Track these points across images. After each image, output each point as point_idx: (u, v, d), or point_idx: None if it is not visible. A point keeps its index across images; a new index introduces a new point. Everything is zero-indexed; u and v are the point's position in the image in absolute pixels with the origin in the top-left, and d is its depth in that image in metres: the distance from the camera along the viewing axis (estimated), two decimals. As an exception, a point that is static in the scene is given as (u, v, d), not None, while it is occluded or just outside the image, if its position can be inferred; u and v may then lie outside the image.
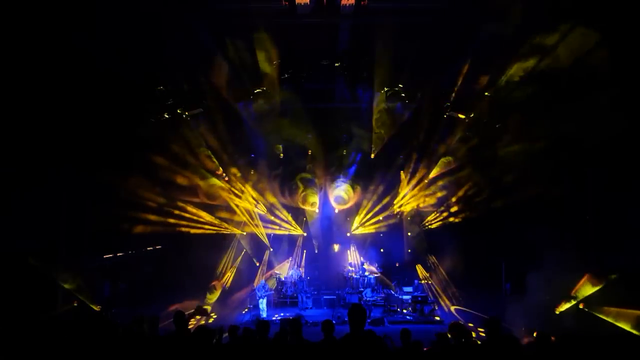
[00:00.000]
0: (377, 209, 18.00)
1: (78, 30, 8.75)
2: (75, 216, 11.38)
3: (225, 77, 11.73)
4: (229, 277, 16.64)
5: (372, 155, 16.12)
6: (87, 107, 10.65)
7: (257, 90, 12.76)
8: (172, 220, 14.52)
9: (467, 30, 9.84)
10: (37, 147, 9.90)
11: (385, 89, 12.89)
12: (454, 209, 16.07)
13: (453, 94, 12.80)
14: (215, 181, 15.45)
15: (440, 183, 16.15)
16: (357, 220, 18.27)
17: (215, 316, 13.83)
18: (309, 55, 11.68)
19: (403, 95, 13.08)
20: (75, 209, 11.42)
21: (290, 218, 18.23)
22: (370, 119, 14.59)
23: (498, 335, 5.29)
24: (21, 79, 8.90)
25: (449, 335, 5.92)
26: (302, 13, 9.38)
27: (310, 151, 17.18)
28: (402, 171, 17.28)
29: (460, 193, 15.55)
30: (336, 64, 11.95)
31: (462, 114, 13.68)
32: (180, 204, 14.78)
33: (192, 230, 15.26)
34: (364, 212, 18.12)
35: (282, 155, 16.64)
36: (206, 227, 15.92)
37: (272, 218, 17.91)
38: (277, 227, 18.05)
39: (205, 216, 15.85)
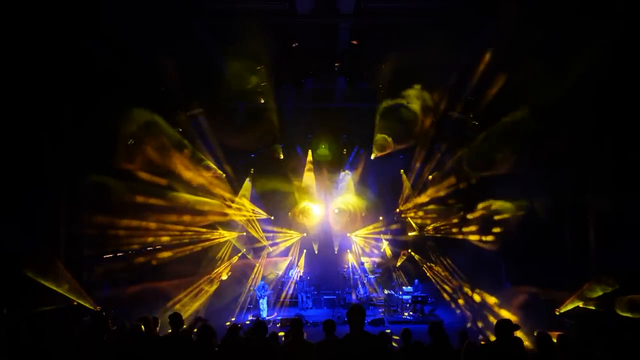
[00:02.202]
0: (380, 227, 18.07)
1: (79, 30, 8.76)
2: (75, 216, 11.35)
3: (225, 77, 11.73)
4: (226, 268, 16.54)
5: (373, 156, 16.14)
6: (86, 107, 10.66)
7: (257, 91, 12.74)
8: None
9: (467, 30, 9.83)
10: (37, 147, 9.88)
11: (386, 89, 12.88)
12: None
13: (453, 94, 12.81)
14: (210, 200, 15.29)
15: (436, 207, 16.37)
16: (361, 230, 18.32)
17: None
18: (309, 55, 11.65)
19: (403, 95, 13.08)
20: (75, 209, 11.38)
21: (285, 230, 18.17)
22: (371, 119, 14.60)
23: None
24: (20, 80, 8.90)
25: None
26: (302, 13, 9.37)
27: (310, 151, 17.21)
28: (402, 170, 17.27)
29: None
30: (336, 64, 11.94)
31: (462, 115, 13.72)
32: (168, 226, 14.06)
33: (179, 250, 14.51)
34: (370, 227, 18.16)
35: (282, 156, 16.63)
36: (199, 245, 15.37)
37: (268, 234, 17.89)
38: (271, 242, 17.95)
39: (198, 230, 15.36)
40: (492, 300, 13.20)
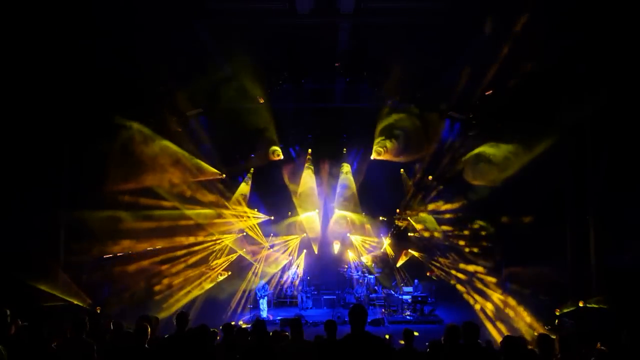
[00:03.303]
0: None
1: (78, 30, 8.76)
2: (75, 216, 11.36)
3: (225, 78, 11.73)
4: (223, 265, 16.45)
5: (373, 157, 16.14)
6: (87, 107, 10.68)
7: (257, 91, 12.73)
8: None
9: (467, 30, 9.82)
10: (37, 147, 9.90)
11: (386, 89, 12.88)
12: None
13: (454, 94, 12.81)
14: (208, 211, 15.21)
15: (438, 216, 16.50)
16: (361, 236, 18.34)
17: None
18: (309, 55, 11.65)
19: (403, 95, 13.08)
20: (76, 209, 11.40)
21: (284, 237, 18.13)
22: (371, 120, 14.60)
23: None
24: (20, 79, 8.92)
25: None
26: (302, 13, 9.36)
27: (310, 150, 17.20)
28: (402, 170, 17.24)
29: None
30: (336, 64, 11.93)
31: (461, 115, 13.72)
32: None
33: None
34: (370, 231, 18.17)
35: (281, 156, 16.61)
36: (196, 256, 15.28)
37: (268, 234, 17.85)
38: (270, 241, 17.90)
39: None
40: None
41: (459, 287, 15.09)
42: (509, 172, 12.13)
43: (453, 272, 15.59)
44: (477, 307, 13.76)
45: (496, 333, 11.15)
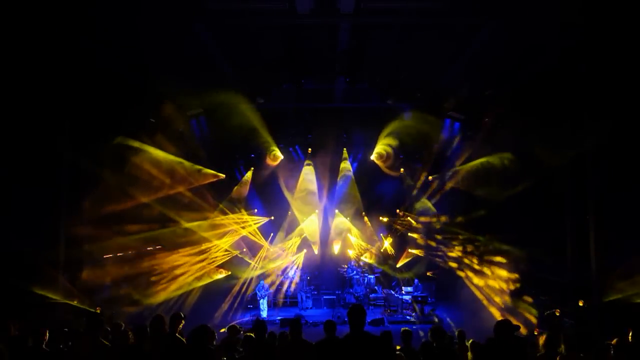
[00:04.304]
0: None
1: (78, 30, 8.77)
2: (75, 215, 11.36)
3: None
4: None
5: (372, 157, 16.13)
6: (87, 106, 10.68)
7: (257, 91, 12.73)
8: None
9: (467, 30, 9.82)
10: (36, 146, 9.89)
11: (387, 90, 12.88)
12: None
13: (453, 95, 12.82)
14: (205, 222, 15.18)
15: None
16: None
17: None
18: (309, 55, 11.64)
19: (403, 96, 13.07)
20: (75, 208, 11.39)
21: (282, 244, 18.11)
22: (371, 119, 14.58)
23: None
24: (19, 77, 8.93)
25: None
26: (302, 13, 9.35)
27: (310, 150, 17.20)
28: (402, 169, 17.23)
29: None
30: (336, 64, 11.92)
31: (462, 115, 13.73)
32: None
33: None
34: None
35: (281, 157, 16.60)
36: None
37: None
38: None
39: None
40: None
41: (452, 264, 15.14)
42: (509, 183, 12.12)
43: (451, 254, 15.64)
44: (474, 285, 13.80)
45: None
